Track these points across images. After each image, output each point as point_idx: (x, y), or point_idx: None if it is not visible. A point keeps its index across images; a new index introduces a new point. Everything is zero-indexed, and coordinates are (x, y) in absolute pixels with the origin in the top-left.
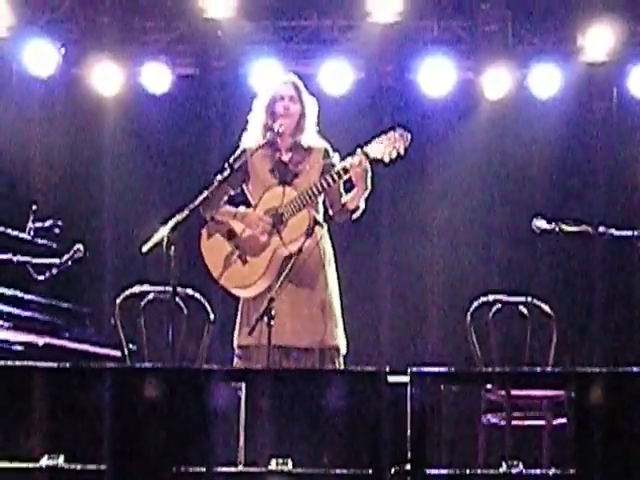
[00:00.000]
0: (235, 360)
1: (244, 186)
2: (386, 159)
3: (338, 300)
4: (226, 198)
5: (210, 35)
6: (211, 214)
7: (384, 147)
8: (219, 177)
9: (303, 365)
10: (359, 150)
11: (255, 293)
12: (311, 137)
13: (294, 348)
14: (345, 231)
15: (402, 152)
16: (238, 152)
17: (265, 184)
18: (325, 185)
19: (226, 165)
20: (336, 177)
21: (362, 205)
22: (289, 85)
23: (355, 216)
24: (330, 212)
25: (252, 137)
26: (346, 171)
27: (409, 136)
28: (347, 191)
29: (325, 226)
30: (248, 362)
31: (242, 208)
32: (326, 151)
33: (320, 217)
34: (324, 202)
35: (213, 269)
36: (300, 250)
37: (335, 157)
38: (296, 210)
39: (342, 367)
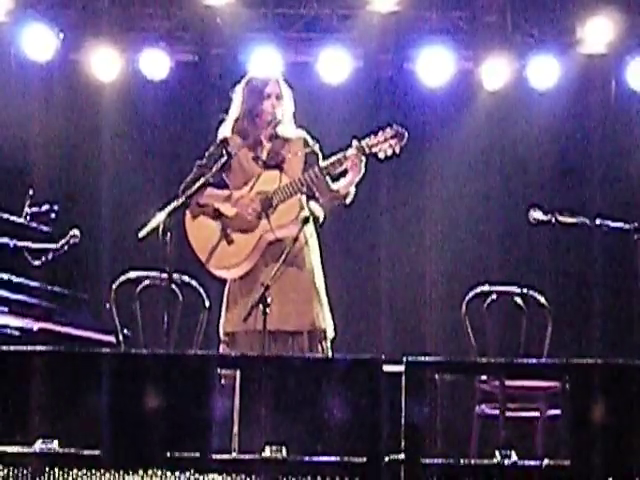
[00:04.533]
0: (221, 347)
1: (223, 173)
2: (381, 155)
3: (323, 284)
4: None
5: (209, 22)
6: (195, 199)
7: (380, 143)
8: (199, 162)
9: (291, 348)
10: (355, 142)
11: (236, 275)
12: (288, 128)
13: (282, 332)
14: (342, 221)
15: (397, 151)
16: (218, 141)
17: (249, 172)
18: (325, 172)
19: (224, 152)
20: (337, 165)
21: (353, 190)
22: (274, 83)
23: (348, 201)
24: (321, 200)
25: (226, 128)
26: (341, 163)
27: (406, 134)
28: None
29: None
30: (234, 349)
31: (235, 192)
32: (305, 140)
33: (306, 210)
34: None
35: (199, 250)
36: (296, 239)
37: (316, 145)
38: (286, 197)
39: (329, 351)
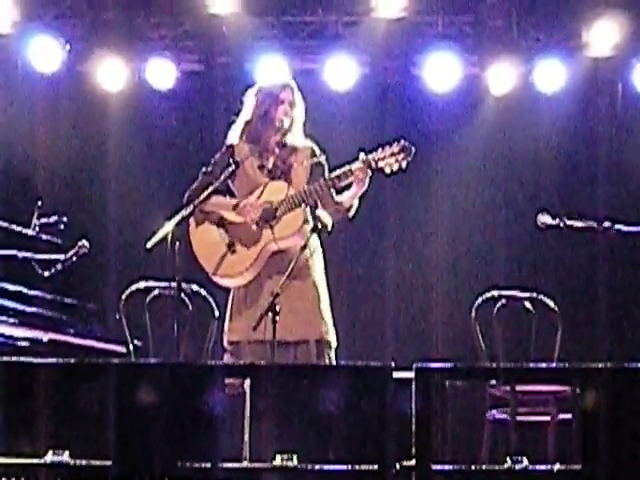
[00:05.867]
0: (226, 357)
1: (229, 181)
2: (387, 170)
3: (326, 293)
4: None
5: (215, 31)
6: (200, 207)
7: (386, 158)
8: (204, 169)
9: (294, 359)
10: (362, 156)
11: (240, 284)
12: (296, 137)
13: (285, 342)
14: (350, 226)
15: (403, 166)
16: (224, 148)
17: (254, 180)
18: (330, 185)
19: (232, 162)
20: (343, 178)
21: (356, 203)
22: (288, 89)
23: (351, 214)
24: (324, 212)
25: (235, 132)
26: (347, 176)
27: (413, 150)
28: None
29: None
30: (239, 358)
31: (243, 200)
32: (312, 150)
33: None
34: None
35: (202, 259)
36: (305, 246)
37: (322, 157)
38: (291, 208)
39: (334, 360)
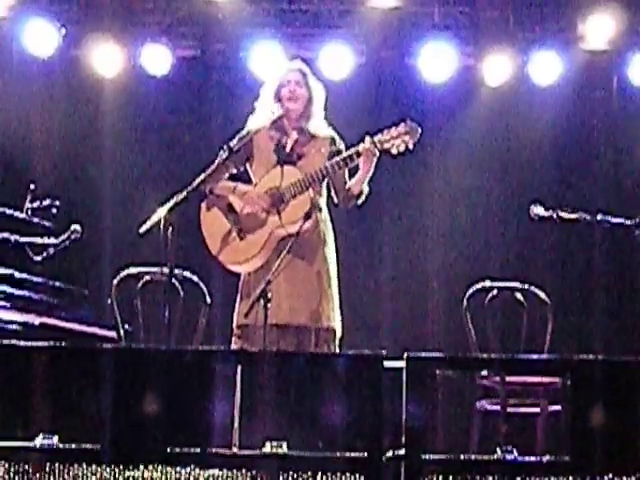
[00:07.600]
0: (234, 339)
1: (247, 165)
2: (394, 151)
3: (336, 283)
4: (227, 175)
5: (211, 17)
6: (210, 187)
7: (392, 139)
8: (221, 153)
9: (300, 343)
10: (368, 138)
11: (249, 270)
12: (318, 124)
13: (291, 326)
14: (345, 216)
15: (410, 146)
16: (243, 133)
17: (269, 164)
18: (336, 168)
19: (225, 146)
20: (348, 161)
21: (366, 189)
22: (295, 71)
23: (360, 200)
24: (336, 200)
25: (258, 120)
26: (358, 155)
27: (419, 130)
28: (351, 176)
29: (325, 210)
30: (246, 342)
31: (241, 185)
32: (333, 139)
33: (323, 201)
34: (329, 189)
35: (211, 244)
36: (298, 233)
37: (341, 145)
38: (298, 192)
39: (337, 350)
